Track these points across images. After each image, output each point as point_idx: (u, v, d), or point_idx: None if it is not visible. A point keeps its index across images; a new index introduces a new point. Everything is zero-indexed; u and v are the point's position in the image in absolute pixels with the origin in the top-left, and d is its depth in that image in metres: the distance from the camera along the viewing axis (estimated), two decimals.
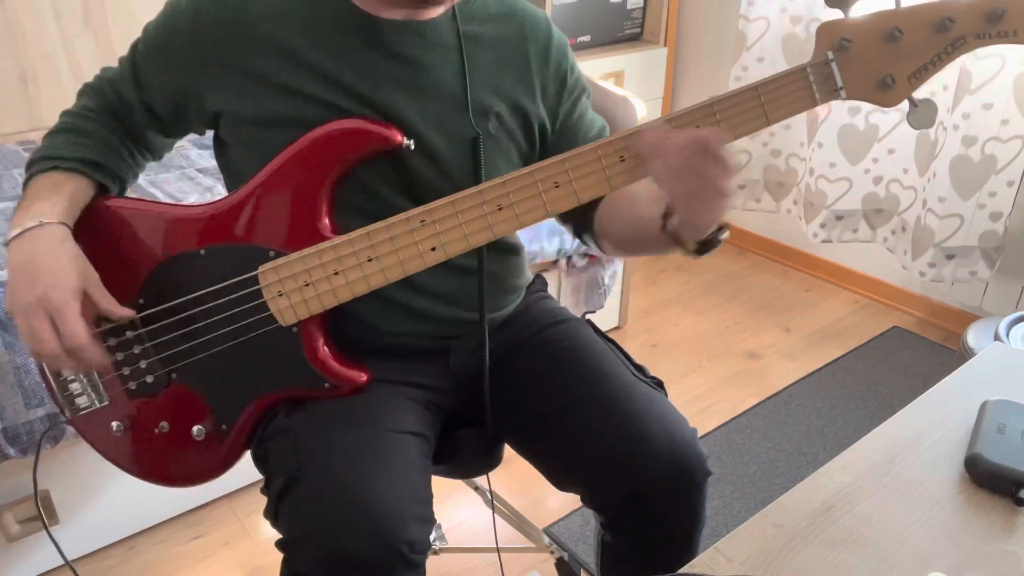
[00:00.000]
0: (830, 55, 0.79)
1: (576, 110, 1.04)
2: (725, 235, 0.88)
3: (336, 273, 0.88)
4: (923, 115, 0.80)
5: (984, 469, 0.81)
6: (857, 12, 0.79)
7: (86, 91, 0.99)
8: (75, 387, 0.94)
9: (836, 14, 0.79)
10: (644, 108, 1.93)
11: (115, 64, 0.99)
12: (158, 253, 0.92)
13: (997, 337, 1.66)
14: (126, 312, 0.89)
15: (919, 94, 0.80)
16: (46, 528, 1.03)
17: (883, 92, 0.80)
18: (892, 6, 0.78)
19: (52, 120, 0.98)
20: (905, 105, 0.81)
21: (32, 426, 1.32)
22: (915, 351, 2.21)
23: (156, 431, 0.95)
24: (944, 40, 0.77)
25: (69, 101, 0.99)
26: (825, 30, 0.80)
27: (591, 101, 1.07)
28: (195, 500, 1.67)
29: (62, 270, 0.84)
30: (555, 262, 1.95)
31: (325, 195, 0.88)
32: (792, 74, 0.80)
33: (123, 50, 0.98)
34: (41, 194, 0.89)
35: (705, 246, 0.87)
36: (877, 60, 0.79)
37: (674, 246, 0.88)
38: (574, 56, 1.04)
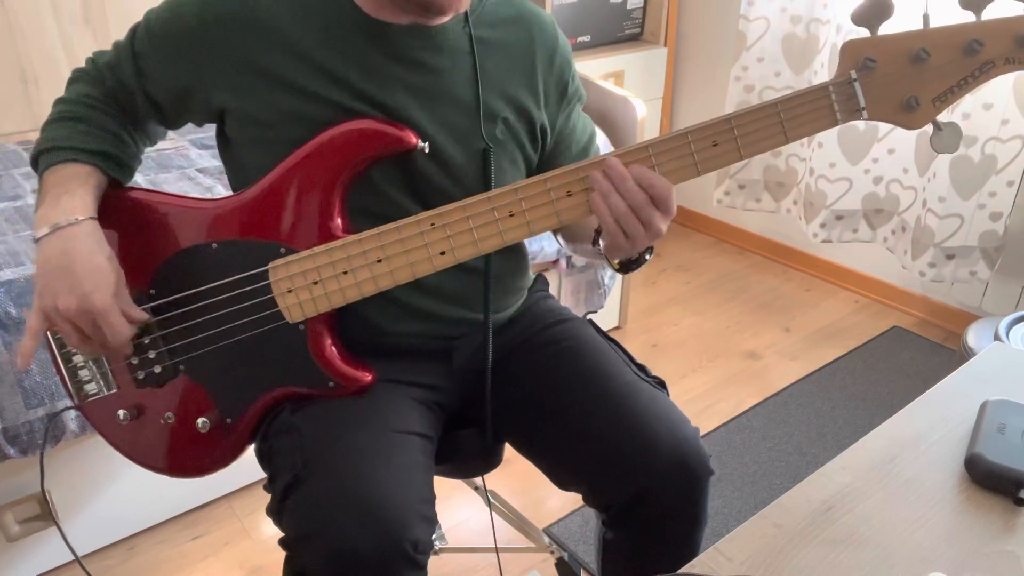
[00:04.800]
0: (853, 74, 0.78)
1: (571, 119, 1.05)
2: (649, 256, 0.92)
3: (345, 272, 0.88)
4: (948, 138, 0.78)
5: (984, 469, 0.81)
6: (884, 31, 0.77)
7: (82, 77, 0.97)
8: (84, 374, 0.95)
9: (863, 32, 0.78)
10: (644, 108, 1.93)
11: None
12: (171, 245, 0.92)
13: (997, 337, 1.66)
14: (141, 316, 0.89)
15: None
16: (56, 521, 1.03)
17: (907, 114, 0.78)
18: (919, 26, 0.77)
19: None
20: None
21: (32, 426, 1.32)
22: (915, 351, 2.21)
23: (162, 421, 0.96)
24: (972, 63, 0.75)
25: None
26: (850, 48, 0.78)
27: (583, 105, 1.09)
28: (195, 500, 1.67)
29: (102, 273, 0.85)
30: (555, 262, 1.95)
31: (338, 195, 0.88)
32: (813, 92, 0.79)
33: None
34: (68, 187, 0.88)
35: (629, 265, 0.92)
36: (901, 81, 0.77)
37: (603, 259, 0.94)
38: (574, 64, 1.05)
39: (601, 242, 0.90)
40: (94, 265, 0.84)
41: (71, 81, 0.98)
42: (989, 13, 0.75)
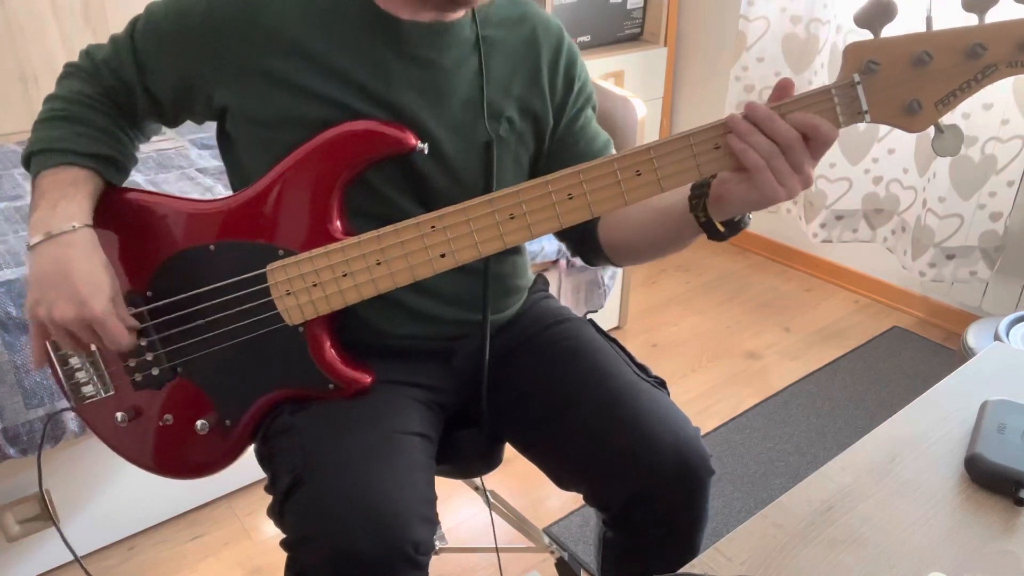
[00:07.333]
0: (856, 77, 0.77)
1: (579, 119, 1.02)
2: (750, 218, 0.86)
3: (344, 275, 0.87)
4: (949, 142, 0.78)
5: (984, 469, 0.81)
6: (887, 33, 0.76)
7: (76, 73, 0.94)
8: (81, 376, 0.94)
9: (864, 33, 0.77)
10: (644, 108, 1.93)
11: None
12: (169, 246, 0.92)
13: (997, 337, 1.66)
14: (133, 322, 0.89)
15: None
16: (55, 522, 1.03)
17: (909, 117, 0.78)
18: (922, 29, 0.76)
19: None
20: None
21: (32, 426, 1.32)
22: (915, 351, 2.21)
23: (160, 423, 0.95)
24: (975, 67, 0.75)
25: None
26: (853, 51, 0.77)
27: (596, 113, 1.06)
28: (195, 500, 1.67)
29: (99, 280, 0.84)
30: (555, 262, 1.95)
31: (336, 196, 0.88)
32: (816, 95, 0.78)
33: None
34: (65, 192, 0.86)
35: (733, 228, 0.85)
36: (904, 84, 0.77)
37: (697, 232, 0.86)
38: (586, 69, 1.03)
39: (709, 203, 0.83)
40: (91, 272, 0.84)
41: (64, 76, 0.95)
42: (992, 16, 0.74)
